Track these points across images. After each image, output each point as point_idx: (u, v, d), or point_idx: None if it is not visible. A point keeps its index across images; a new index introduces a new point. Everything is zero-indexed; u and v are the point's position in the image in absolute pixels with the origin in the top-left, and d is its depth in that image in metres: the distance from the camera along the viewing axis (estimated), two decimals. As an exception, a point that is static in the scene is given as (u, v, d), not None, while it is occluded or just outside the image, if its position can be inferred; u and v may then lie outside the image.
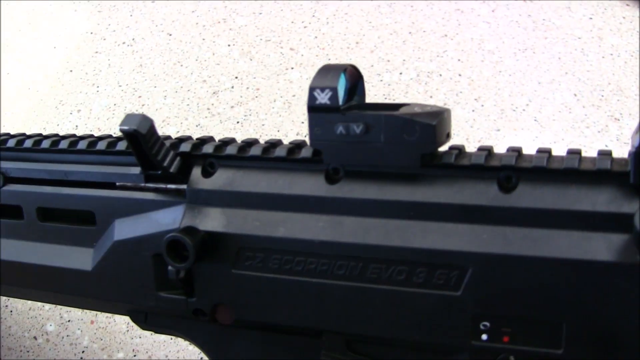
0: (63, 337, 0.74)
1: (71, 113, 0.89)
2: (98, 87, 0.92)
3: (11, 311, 0.76)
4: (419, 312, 0.34)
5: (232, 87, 0.88)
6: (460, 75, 0.84)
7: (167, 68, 0.92)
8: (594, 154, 0.33)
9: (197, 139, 0.40)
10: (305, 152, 0.37)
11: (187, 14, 0.99)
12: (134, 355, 0.71)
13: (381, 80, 0.83)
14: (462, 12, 0.92)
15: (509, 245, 0.32)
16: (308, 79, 0.86)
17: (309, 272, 0.36)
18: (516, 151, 0.34)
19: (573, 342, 0.32)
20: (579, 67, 0.84)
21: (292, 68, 0.89)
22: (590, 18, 0.89)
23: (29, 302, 0.75)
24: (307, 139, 0.36)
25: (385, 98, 0.81)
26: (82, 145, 0.42)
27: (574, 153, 0.33)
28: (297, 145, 0.37)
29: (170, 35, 0.97)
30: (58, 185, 0.43)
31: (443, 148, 0.35)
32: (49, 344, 0.74)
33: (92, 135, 0.43)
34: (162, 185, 0.40)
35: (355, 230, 0.35)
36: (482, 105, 0.81)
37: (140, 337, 0.72)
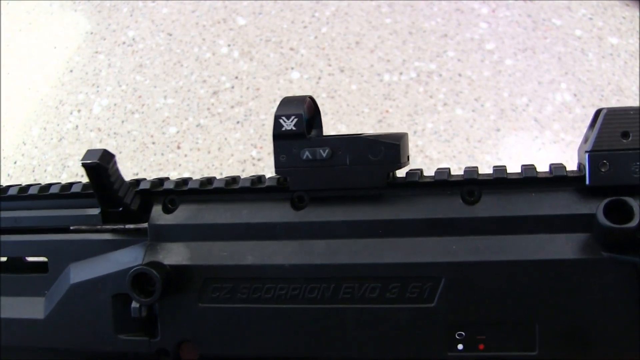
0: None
1: (71, 113, 0.89)
2: (98, 87, 0.92)
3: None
4: (394, 328, 0.34)
5: (232, 87, 0.88)
6: (460, 75, 0.84)
7: (167, 68, 0.92)
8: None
9: (154, 179, 0.39)
10: (270, 181, 0.37)
11: (187, 14, 0.99)
12: None
13: (381, 81, 0.83)
14: (462, 12, 0.92)
15: (478, 253, 0.33)
16: (308, 78, 0.86)
17: (280, 299, 0.35)
18: (475, 169, 0.35)
19: (546, 342, 0.32)
20: (579, 67, 0.84)
21: (292, 68, 0.89)
22: (590, 18, 0.89)
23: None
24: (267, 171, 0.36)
25: (385, 98, 0.81)
26: (33, 190, 0.40)
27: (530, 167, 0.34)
28: (259, 178, 0.38)
29: (170, 35, 0.97)
30: (7, 233, 0.41)
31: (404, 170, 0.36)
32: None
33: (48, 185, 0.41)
34: (121, 226, 0.38)
35: (325, 251, 0.35)
36: (482, 105, 0.81)
37: None
